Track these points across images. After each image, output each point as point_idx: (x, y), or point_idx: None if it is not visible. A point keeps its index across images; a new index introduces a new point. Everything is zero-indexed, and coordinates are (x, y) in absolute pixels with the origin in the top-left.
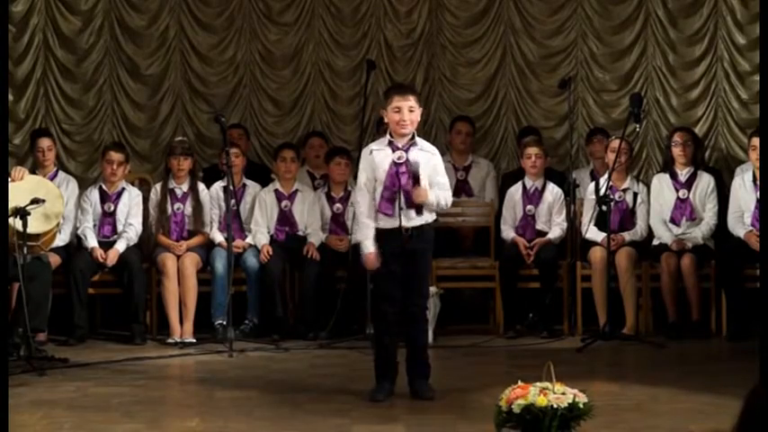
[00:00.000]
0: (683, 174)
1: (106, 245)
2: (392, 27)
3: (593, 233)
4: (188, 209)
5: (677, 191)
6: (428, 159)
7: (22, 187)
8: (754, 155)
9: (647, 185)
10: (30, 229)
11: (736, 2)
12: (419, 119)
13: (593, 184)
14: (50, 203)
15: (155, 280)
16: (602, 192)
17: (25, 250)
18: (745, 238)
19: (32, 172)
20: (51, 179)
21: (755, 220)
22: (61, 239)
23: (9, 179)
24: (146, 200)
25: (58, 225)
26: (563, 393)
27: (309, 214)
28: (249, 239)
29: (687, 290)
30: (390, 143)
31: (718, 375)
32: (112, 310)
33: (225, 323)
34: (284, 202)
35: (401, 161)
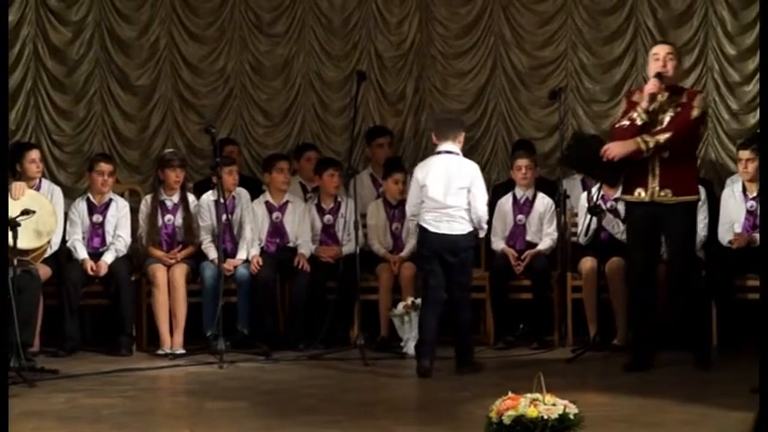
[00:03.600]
0: None
1: (96, 256)
2: (383, 38)
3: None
4: (178, 220)
5: None
6: None
7: (16, 201)
8: (741, 167)
9: None
10: (20, 245)
11: (726, 12)
12: None
13: (585, 193)
14: (43, 220)
15: (145, 291)
16: (593, 201)
17: (15, 262)
18: (732, 241)
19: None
20: (37, 189)
21: (745, 232)
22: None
23: (10, 196)
24: (136, 211)
25: (49, 242)
26: (553, 404)
27: (300, 225)
28: (242, 254)
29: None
30: None
31: (708, 386)
32: (101, 321)
33: (216, 334)
34: (275, 214)
35: None
